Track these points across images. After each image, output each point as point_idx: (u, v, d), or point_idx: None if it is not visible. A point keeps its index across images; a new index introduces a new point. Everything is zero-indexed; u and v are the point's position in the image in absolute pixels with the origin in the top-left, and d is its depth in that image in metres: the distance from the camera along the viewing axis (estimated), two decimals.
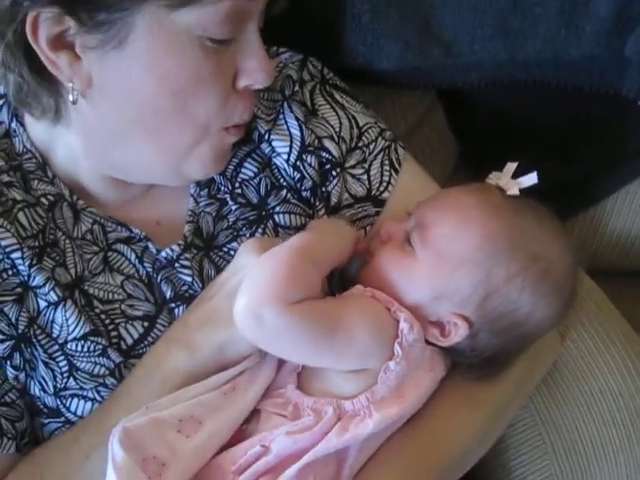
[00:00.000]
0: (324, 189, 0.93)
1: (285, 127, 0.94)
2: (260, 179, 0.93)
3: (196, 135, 0.82)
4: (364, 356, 0.79)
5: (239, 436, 0.79)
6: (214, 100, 0.81)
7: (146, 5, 0.75)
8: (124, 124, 0.82)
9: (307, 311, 0.76)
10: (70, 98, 0.80)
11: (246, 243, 0.85)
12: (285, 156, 0.93)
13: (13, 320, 0.82)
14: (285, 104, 0.95)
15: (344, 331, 0.77)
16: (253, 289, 0.76)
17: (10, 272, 0.83)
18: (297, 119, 0.94)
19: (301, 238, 0.81)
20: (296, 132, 0.93)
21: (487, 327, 0.81)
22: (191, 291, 0.87)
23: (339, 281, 0.93)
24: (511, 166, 0.85)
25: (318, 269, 0.79)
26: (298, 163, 0.93)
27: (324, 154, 0.94)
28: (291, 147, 0.93)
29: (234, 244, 0.90)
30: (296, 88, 0.96)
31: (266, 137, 0.94)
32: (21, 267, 0.83)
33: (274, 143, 0.93)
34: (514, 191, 0.83)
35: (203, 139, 0.83)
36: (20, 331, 0.83)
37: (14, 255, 0.83)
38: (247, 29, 0.80)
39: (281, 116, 0.94)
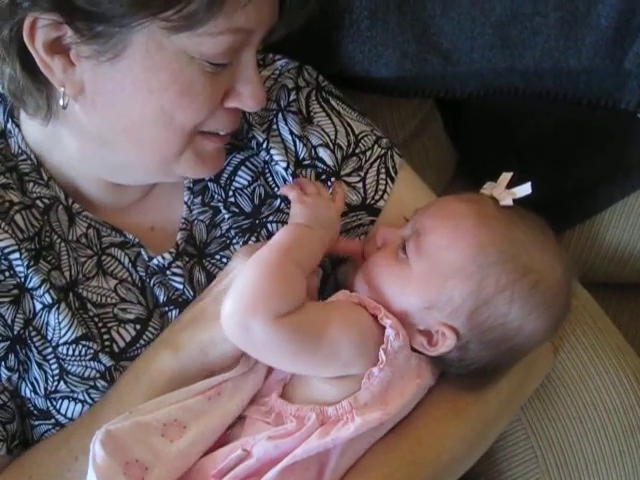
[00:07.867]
0: None
1: (280, 139, 0.94)
2: (254, 188, 0.93)
3: (183, 143, 0.82)
4: (347, 365, 0.78)
5: (223, 441, 0.78)
6: (201, 114, 0.81)
7: (146, 24, 0.75)
8: (113, 131, 0.82)
9: (294, 326, 0.75)
10: (61, 102, 0.80)
11: (238, 250, 0.86)
12: (284, 164, 0.92)
13: (9, 321, 0.82)
14: (280, 115, 0.95)
15: (328, 345, 0.77)
16: (242, 297, 0.75)
17: (7, 273, 0.83)
18: (291, 133, 0.94)
19: (283, 240, 0.80)
20: (291, 147, 0.93)
21: (477, 339, 0.81)
22: (184, 297, 0.88)
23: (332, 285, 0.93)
24: (506, 176, 0.84)
25: (302, 270, 0.79)
26: (297, 172, 0.93)
27: (319, 164, 0.94)
28: (288, 161, 0.93)
29: (226, 252, 0.91)
30: (292, 97, 0.95)
31: (264, 146, 0.93)
32: (19, 268, 0.83)
33: (272, 151, 0.93)
34: (507, 202, 0.83)
35: (189, 145, 0.83)
36: (15, 332, 0.83)
37: (12, 256, 0.83)
38: (245, 54, 0.81)
39: (275, 126, 0.94)
